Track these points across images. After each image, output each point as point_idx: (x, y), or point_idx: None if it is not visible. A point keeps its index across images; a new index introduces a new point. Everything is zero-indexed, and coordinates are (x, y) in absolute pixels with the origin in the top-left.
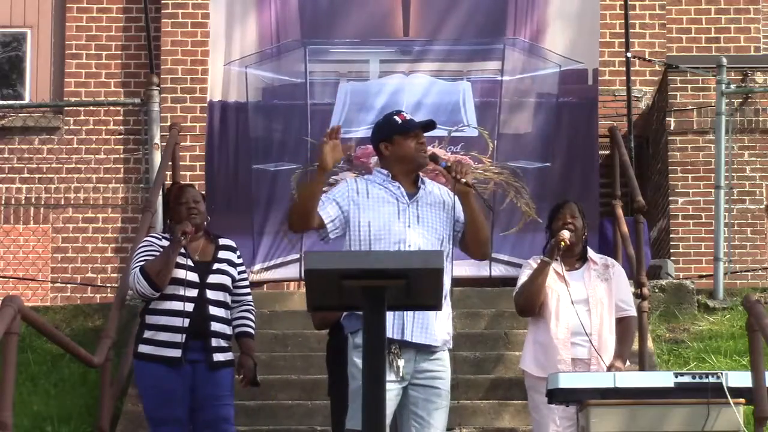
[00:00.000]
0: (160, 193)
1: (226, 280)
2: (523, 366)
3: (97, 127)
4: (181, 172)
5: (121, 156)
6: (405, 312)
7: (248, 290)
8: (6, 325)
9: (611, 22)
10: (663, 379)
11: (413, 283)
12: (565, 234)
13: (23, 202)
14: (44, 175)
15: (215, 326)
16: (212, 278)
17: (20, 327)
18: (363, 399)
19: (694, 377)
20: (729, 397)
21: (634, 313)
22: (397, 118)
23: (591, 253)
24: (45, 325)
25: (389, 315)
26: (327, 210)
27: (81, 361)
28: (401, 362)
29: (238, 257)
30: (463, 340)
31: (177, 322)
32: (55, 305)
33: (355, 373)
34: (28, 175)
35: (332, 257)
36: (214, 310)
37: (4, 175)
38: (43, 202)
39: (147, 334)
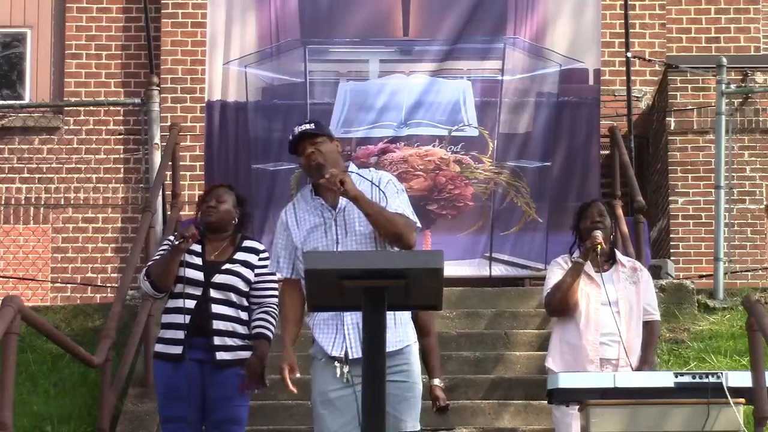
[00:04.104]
0: (160, 193)
1: (235, 281)
2: (549, 364)
3: (97, 127)
4: (181, 172)
5: (121, 156)
6: (346, 329)
7: (270, 292)
8: (6, 325)
9: (611, 22)
10: (663, 379)
11: (413, 283)
12: (599, 236)
13: (23, 202)
14: (44, 175)
15: (218, 324)
16: (218, 278)
17: (20, 327)
18: (363, 399)
19: (694, 377)
20: (729, 397)
21: (658, 317)
22: (290, 135)
23: (619, 255)
24: (45, 325)
25: (331, 333)
26: (282, 267)
27: (81, 361)
28: (346, 368)
29: (261, 260)
30: (463, 340)
31: (179, 319)
32: (55, 305)
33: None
34: (28, 175)
35: (332, 257)
36: (217, 309)
37: (4, 175)
38: (43, 202)
39: (160, 332)
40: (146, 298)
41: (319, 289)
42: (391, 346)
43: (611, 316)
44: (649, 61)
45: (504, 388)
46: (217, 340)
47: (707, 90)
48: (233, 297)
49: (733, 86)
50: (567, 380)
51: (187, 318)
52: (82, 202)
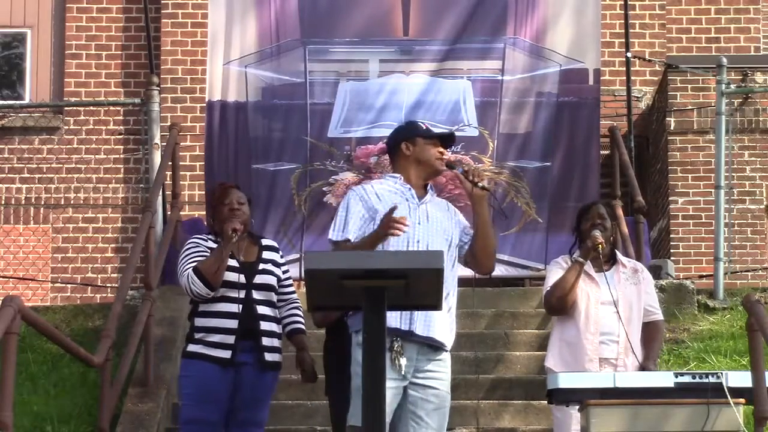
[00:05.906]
0: (160, 193)
1: (272, 280)
2: (548, 364)
3: (97, 127)
4: (181, 172)
5: (121, 156)
6: None
7: (293, 289)
8: (6, 325)
9: (611, 22)
10: (663, 379)
11: (413, 283)
12: (599, 235)
13: (23, 202)
14: (44, 175)
15: (265, 325)
16: (258, 279)
17: (20, 327)
18: (363, 397)
19: (694, 377)
20: (729, 397)
21: (662, 317)
22: (421, 124)
23: (620, 256)
24: (45, 325)
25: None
26: (349, 231)
27: (81, 361)
28: (403, 360)
29: (281, 257)
30: (463, 340)
31: (229, 323)
32: (55, 305)
33: (358, 370)
34: (28, 175)
35: (332, 257)
36: (262, 310)
37: (4, 175)
38: (43, 202)
39: (198, 335)
40: (197, 299)
41: (319, 289)
42: (447, 341)
43: (611, 316)
44: (649, 61)
45: (504, 388)
46: (265, 341)
47: (707, 90)
48: (274, 297)
49: (733, 86)
50: (567, 380)
51: (235, 322)
52: (82, 202)
